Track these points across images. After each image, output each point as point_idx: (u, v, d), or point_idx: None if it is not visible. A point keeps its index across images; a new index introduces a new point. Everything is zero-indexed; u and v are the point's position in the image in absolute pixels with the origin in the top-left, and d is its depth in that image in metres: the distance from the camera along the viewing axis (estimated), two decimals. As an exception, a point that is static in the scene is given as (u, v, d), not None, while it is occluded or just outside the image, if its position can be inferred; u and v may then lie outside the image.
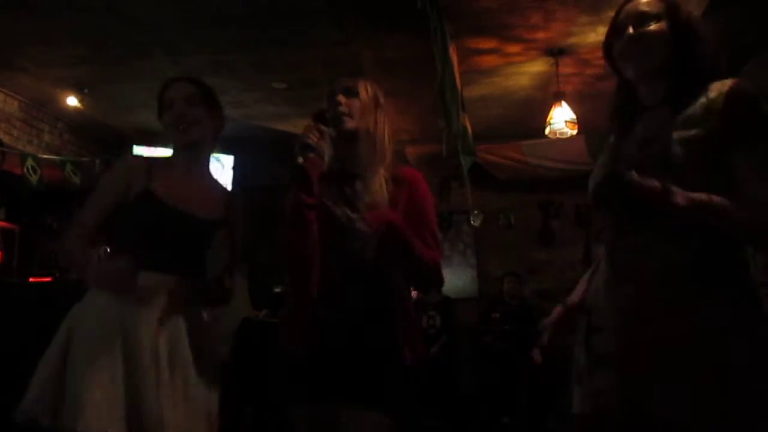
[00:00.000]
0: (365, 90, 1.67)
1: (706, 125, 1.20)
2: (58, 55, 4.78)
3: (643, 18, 1.32)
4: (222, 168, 6.46)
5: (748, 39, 3.78)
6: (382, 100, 1.70)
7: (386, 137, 1.66)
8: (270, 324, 4.40)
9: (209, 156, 1.82)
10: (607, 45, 1.41)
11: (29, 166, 5.07)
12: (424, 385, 1.70)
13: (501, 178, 6.43)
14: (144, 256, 1.56)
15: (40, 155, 5.34)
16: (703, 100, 1.23)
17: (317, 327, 1.54)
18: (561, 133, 4.84)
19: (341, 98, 1.63)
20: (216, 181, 1.86)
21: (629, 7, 1.36)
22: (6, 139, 5.38)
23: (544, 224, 6.80)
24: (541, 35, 4.37)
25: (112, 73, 5.08)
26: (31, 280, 4.47)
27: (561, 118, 4.75)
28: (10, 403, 1.50)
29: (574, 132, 4.85)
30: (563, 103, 4.80)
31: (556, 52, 4.59)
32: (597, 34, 4.42)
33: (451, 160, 4.62)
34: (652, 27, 1.31)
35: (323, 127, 1.53)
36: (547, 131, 4.91)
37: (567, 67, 4.73)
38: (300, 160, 1.48)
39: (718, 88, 1.23)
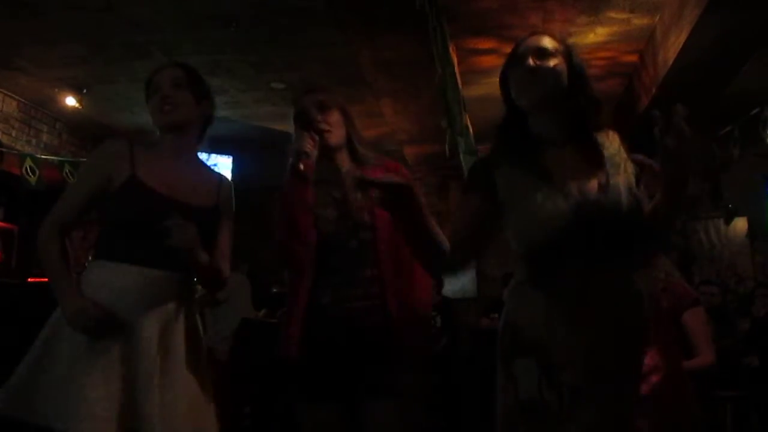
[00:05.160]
0: (336, 104, 1.69)
1: (630, 168, 1.35)
2: (57, 55, 4.77)
3: (543, 53, 1.38)
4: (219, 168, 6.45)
5: (747, 39, 3.78)
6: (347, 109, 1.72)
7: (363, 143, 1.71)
8: (269, 324, 4.39)
9: (197, 143, 1.76)
10: (503, 74, 1.46)
11: (27, 166, 5.06)
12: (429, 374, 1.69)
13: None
14: (135, 249, 1.53)
15: (38, 155, 5.34)
16: (614, 145, 1.38)
17: (316, 326, 1.57)
18: (560, 133, 4.84)
19: (317, 115, 1.64)
20: (206, 167, 1.80)
21: (530, 41, 1.42)
22: (4, 139, 5.37)
23: (543, 224, 6.79)
24: (540, 35, 4.37)
25: (111, 73, 5.07)
26: (29, 280, 4.46)
27: (560, 119, 4.75)
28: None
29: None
30: (562, 103, 4.79)
31: (555, 53, 4.59)
32: (596, 35, 4.43)
33: (453, 160, 4.61)
34: (551, 62, 1.38)
35: (315, 136, 1.57)
36: (546, 131, 4.90)
37: (566, 67, 4.73)
38: (301, 166, 1.50)
39: (613, 137, 1.39)
